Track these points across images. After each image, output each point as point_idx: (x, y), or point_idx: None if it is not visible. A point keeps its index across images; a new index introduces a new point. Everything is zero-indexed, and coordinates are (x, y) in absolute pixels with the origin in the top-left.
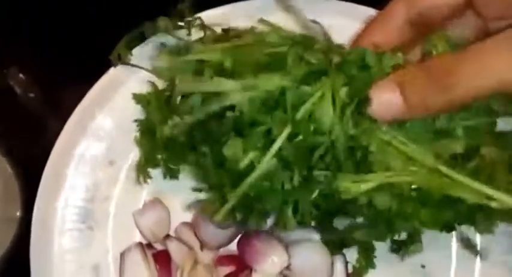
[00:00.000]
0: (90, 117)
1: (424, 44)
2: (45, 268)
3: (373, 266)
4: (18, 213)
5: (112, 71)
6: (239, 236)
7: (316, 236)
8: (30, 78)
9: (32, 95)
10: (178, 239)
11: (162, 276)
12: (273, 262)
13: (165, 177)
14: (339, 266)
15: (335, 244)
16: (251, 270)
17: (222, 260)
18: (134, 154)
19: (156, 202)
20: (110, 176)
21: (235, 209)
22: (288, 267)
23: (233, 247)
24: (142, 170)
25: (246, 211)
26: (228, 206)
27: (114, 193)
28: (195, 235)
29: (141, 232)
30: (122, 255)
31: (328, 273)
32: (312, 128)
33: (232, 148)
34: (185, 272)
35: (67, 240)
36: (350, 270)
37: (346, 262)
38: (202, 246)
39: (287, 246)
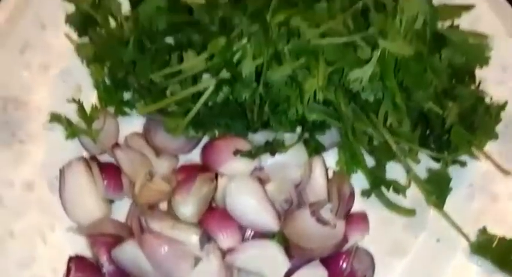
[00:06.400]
0: None
1: None
2: None
3: (359, 166)
4: None
5: None
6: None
7: (291, 136)
8: None
9: None
10: (129, 148)
11: (111, 191)
12: (240, 163)
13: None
14: (318, 168)
15: (314, 144)
16: (216, 177)
17: (183, 169)
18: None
19: (100, 109)
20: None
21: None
22: (260, 169)
23: (195, 157)
24: None
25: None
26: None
27: (48, 102)
28: (148, 143)
29: (82, 143)
30: (62, 170)
31: (306, 174)
32: None
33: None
34: (138, 184)
35: None
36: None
37: (326, 168)
38: (158, 152)
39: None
